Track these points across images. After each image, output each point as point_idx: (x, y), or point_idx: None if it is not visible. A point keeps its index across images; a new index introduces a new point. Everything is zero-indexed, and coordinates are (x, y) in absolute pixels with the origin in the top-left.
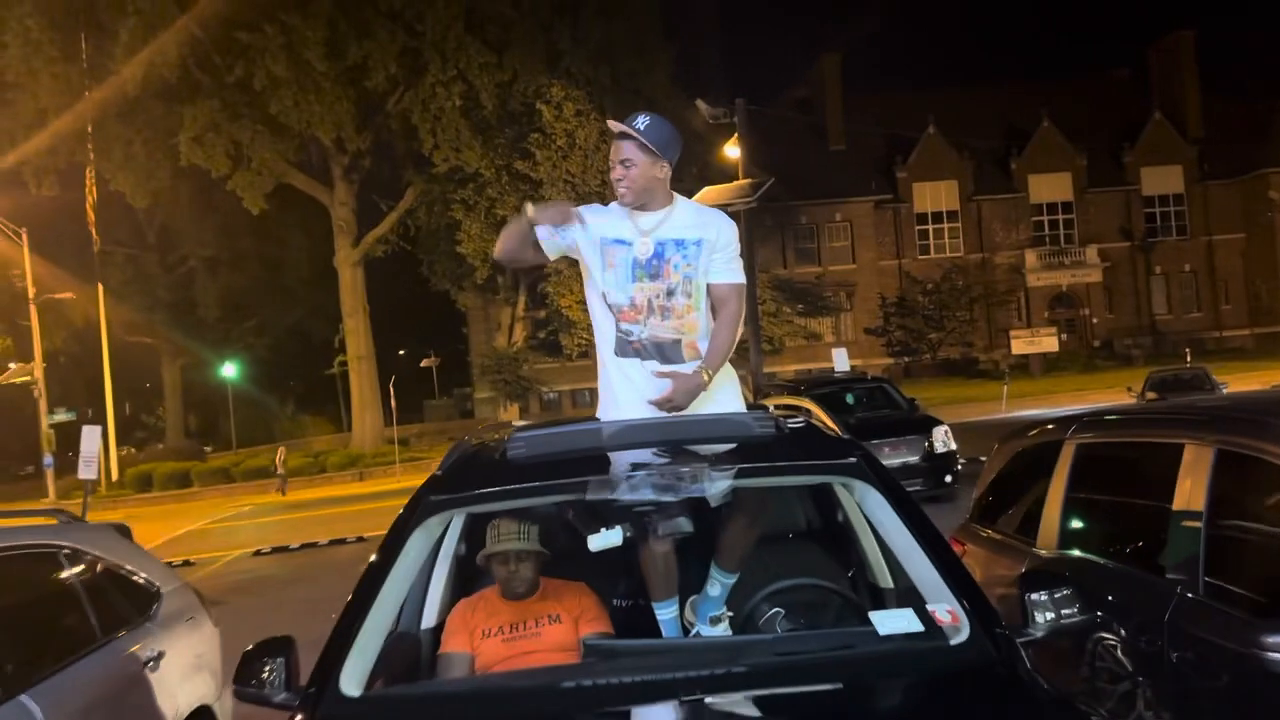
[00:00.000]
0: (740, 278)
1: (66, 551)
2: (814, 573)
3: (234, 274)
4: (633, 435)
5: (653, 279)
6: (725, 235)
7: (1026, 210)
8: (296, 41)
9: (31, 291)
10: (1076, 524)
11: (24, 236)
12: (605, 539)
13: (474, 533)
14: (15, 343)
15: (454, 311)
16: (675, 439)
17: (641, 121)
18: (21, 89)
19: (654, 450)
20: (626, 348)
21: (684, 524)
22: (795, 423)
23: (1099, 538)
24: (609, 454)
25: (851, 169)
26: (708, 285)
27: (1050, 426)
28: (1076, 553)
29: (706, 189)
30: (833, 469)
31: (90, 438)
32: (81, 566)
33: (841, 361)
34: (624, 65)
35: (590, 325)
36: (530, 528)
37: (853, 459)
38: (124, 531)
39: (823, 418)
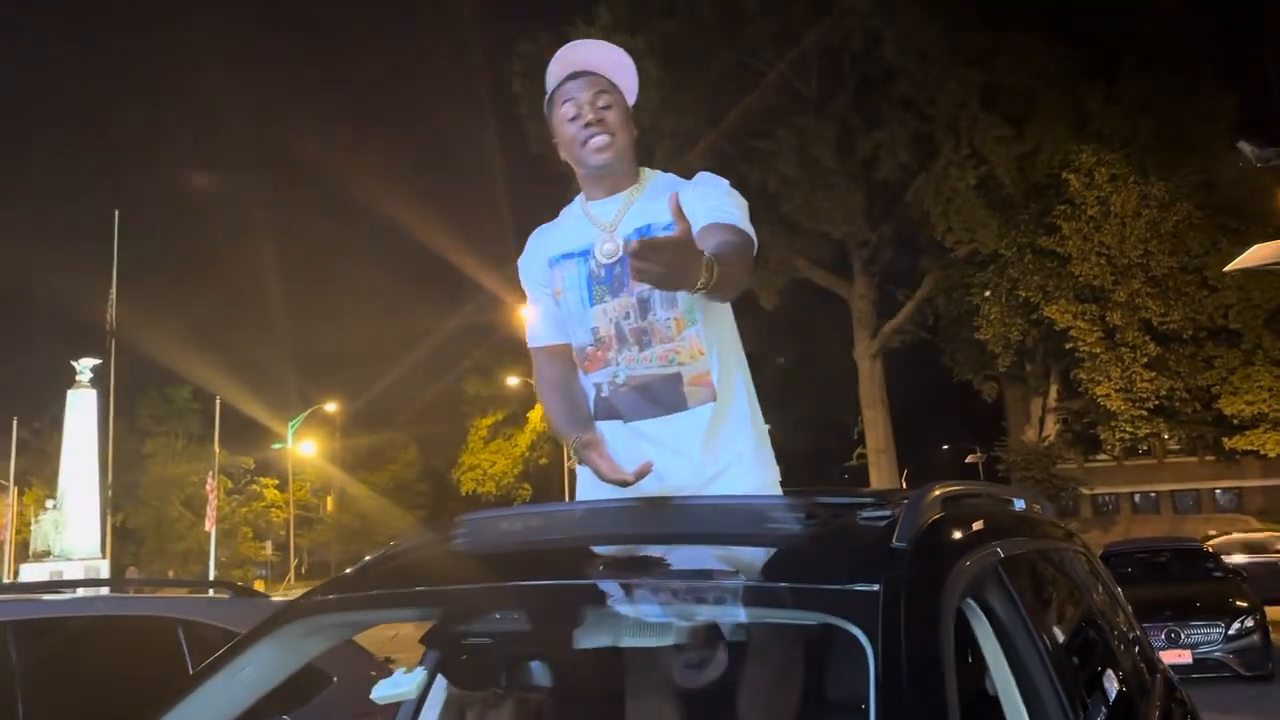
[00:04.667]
0: (750, 228)
1: (184, 624)
2: None
3: (770, 370)
4: (605, 523)
5: (615, 293)
6: (710, 182)
7: None
8: (807, 142)
9: None
10: None
11: None
12: (394, 687)
13: None
14: None
15: (996, 403)
16: (661, 531)
17: (608, 50)
18: None
19: (628, 546)
20: (604, 408)
21: (537, 674)
22: (871, 516)
23: None
24: (570, 549)
25: None
26: (705, 225)
27: None
28: None
29: (1255, 247)
30: (824, 602)
31: None
32: (201, 640)
33: None
34: (1170, 118)
35: (1133, 417)
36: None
37: (873, 585)
38: None
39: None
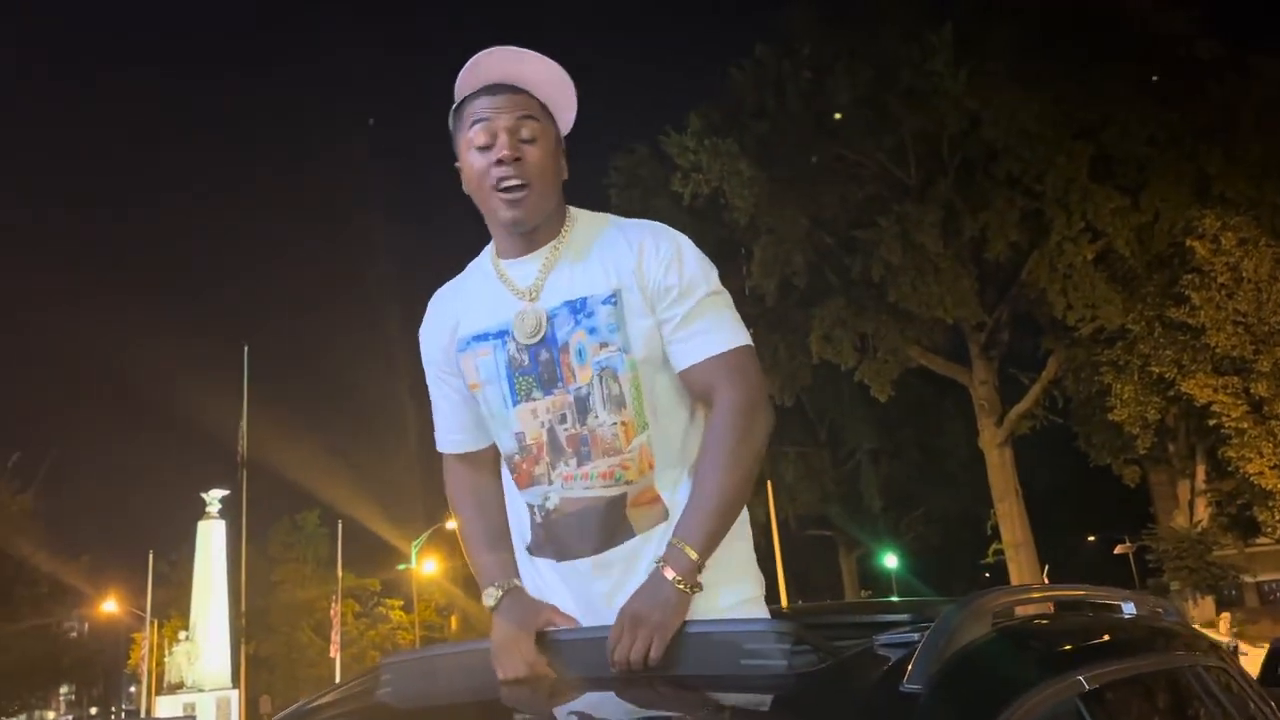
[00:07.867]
0: (737, 338)
1: None
2: None
3: (895, 464)
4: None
5: (546, 388)
6: (666, 264)
7: None
8: (910, 228)
9: None
10: None
11: None
12: None
13: None
14: None
15: (1140, 488)
16: (596, 675)
17: (537, 61)
18: None
19: (556, 696)
20: (540, 538)
21: None
22: (891, 643)
23: None
24: (482, 704)
25: None
26: (679, 372)
27: None
28: None
29: None
30: None
31: None
32: None
33: None
34: None
35: None
36: None
37: None
38: None
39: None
